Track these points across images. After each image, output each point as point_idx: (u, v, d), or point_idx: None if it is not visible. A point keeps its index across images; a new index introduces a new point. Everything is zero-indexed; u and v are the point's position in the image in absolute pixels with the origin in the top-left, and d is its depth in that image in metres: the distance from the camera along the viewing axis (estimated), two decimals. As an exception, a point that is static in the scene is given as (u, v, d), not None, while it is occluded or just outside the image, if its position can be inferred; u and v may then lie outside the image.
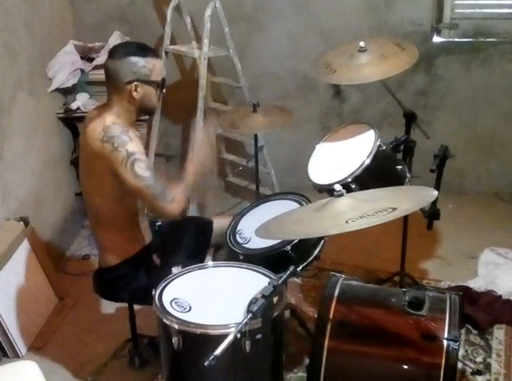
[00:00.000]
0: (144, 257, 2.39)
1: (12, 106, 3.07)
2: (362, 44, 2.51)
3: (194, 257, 2.35)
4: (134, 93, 2.21)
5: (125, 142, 2.13)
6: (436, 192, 1.91)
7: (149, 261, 2.39)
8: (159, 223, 2.61)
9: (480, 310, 2.83)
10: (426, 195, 1.93)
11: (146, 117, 3.18)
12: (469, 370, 2.55)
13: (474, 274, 3.18)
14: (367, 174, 2.34)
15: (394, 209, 1.73)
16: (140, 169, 2.12)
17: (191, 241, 2.56)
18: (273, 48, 3.82)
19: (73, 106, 3.51)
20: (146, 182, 2.13)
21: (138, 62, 2.19)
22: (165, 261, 2.39)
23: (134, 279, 2.36)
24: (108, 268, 2.39)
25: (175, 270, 2.31)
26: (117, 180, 2.17)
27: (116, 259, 2.36)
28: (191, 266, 2.20)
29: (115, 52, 2.24)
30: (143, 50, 2.23)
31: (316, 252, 2.36)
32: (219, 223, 2.61)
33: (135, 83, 2.20)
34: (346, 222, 1.73)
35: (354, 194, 2.06)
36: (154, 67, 2.22)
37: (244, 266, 2.20)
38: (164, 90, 2.32)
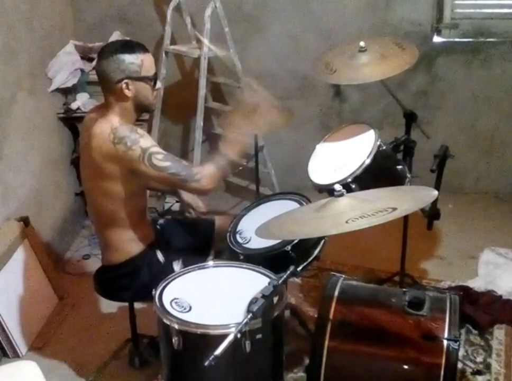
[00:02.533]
0: (149, 255, 2.39)
1: (13, 106, 3.07)
2: (362, 44, 2.51)
3: (196, 257, 2.35)
4: (126, 91, 2.19)
5: (137, 140, 2.15)
6: (436, 192, 1.92)
7: (154, 259, 2.39)
8: (161, 222, 2.62)
9: (480, 310, 2.83)
10: (426, 195, 1.93)
11: (147, 115, 3.20)
12: (469, 370, 2.55)
13: (474, 274, 3.18)
14: (367, 174, 2.34)
15: (394, 209, 1.73)
16: (159, 160, 2.15)
17: (193, 241, 2.56)
18: (273, 48, 3.82)
19: (74, 106, 3.51)
20: (168, 171, 2.16)
21: (126, 59, 2.17)
22: (168, 258, 2.39)
23: (138, 276, 2.36)
24: (113, 266, 2.39)
25: (175, 265, 2.31)
26: (134, 178, 2.21)
27: (122, 256, 2.36)
28: (191, 266, 2.20)
29: (102, 53, 2.24)
30: (129, 47, 2.21)
31: (316, 252, 2.36)
32: (220, 227, 2.60)
33: (125, 81, 2.18)
34: (346, 222, 1.73)
35: (354, 195, 2.06)
36: (143, 62, 2.19)
37: (244, 266, 2.20)
38: (159, 85, 2.30)
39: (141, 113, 2.35)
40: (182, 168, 2.18)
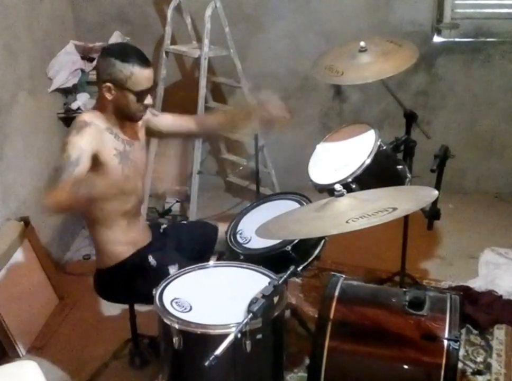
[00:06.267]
0: (140, 259, 2.36)
1: (13, 106, 3.07)
2: (362, 44, 2.51)
3: (195, 262, 2.31)
4: (107, 94, 2.18)
5: (71, 134, 2.14)
6: (436, 192, 1.92)
7: (145, 262, 2.36)
8: (164, 226, 2.60)
9: (480, 310, 2.83)
10: (426, 195, 1.93)
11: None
12: (469, 370, 2.55)
13: (475, 274, 3.18)
14: (368, 174, 2.34)
15: (394, 209, 1.73)
16: (62, 155, 2.10)
17: (194, 245, 2.54)
18: (273, 48, 3.82)
19: (74, 106, 3.51)
20: (54, 168, 2.13)
21: (116, 65, 2.14)
22: (162, 262, 2.35)
23: (130, 280, 2.34)
24: (104, 269, 2.38)
25: (171, 269, 2.29)
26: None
27: (111, 260, 2.34)
28: (191, 266, 2.20)
29: (103, 50, 2.27)
30: (127, 55, 2.16)
31: (316, 252, 2.36)
32: (224, 230, 2.58)
33: (108, 84, 2.16)
34: (347, 222, 1.73)
35: (355, 194, 2.06)
36: (132, 75, 2.14)
37: (245, 266, 2.19)
38: (149, 102, 2.22)
39: (123, 119, 2.28)
40: (59, 174, 2.06)
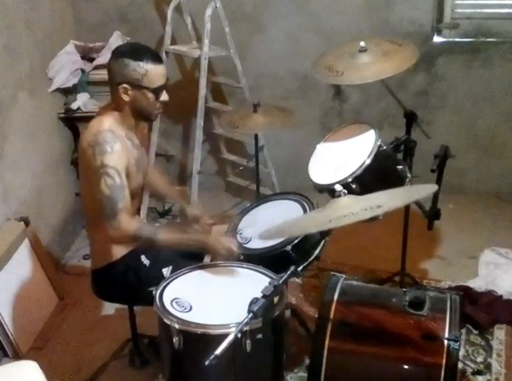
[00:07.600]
0: (132, 259, 2.35)
1: (13, 106, 3.07)
2: (362, 44, 2.50)
3: (188, 262, 2.30)
4: (124, 96, 2.16)
5: (104, 152, 2.10)
6: (434, 188, 1.90)
7: (138, 263, 2.35)
8: (157, 224, 2.59)
9: (480, 310, 2.84)
10: (421, 191, 1.91)
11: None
12: (469, 370, 2.55)
13: (475, 274, 3.18)
14: (368, 174, 2.34)
15: (379, 206, 1.71)
16: (104, 183, 2.10)
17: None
18: (273, 48, 3.82)
19: (74, 106, 3.51)
20: (103, 196, 2.11)
21: (130, 65, 2.13)
22: (155, 262, 2.34)
23: (123, 280, 2.33)
24: (97, 269, 2.37)
25: (165, 271, 2.29)
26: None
27: (104, 260, 2.34)
28: (191, 266, 2.20)
29: (113, 52, 2.23)
30: (139, 54, 2.15)
31: (316, 252, 2.36)
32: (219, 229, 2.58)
33: (124, 85, 2.15)
34: (330, 221, 1.72)
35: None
36: (147, 72, 2.14)
37: (245, 266, 2.20)
38: (165, 98, 2.22)
39: (140, 120, 2.29)
40: (114, 204, 2.10)
